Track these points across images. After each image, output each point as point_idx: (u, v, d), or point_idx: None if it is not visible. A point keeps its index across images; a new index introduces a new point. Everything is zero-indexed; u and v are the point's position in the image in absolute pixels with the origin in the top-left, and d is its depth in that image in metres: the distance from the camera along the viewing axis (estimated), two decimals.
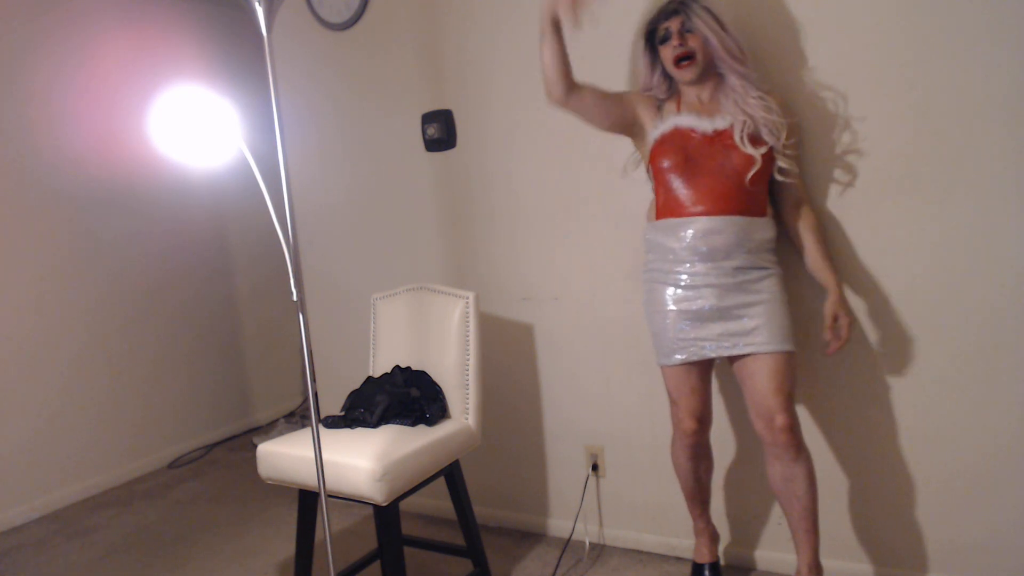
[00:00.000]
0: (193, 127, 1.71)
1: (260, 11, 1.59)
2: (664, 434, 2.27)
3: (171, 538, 2.85)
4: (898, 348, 1.95)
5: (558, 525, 2.56)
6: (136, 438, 3.60)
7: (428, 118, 2.55)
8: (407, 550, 2.30)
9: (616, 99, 1.93)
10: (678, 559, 2.31)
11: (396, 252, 2.76)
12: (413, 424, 2.02)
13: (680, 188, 1.82)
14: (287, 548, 2.62)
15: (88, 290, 3.42)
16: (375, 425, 2.02)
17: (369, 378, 2.22)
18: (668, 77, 1.91)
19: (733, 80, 1.81)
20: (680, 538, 2.32)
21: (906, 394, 1.95)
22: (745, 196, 1.80)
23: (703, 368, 1.93)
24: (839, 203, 1.96)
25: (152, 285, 3.69)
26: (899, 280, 1.92)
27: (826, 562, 1.99)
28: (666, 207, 1.86)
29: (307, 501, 1.98)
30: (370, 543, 2.56)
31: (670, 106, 1.89)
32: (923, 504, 1.97)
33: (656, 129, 1.86)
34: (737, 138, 1.78)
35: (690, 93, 1.88)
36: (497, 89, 2.43)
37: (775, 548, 2.18)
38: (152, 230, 3.68)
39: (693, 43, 1.80)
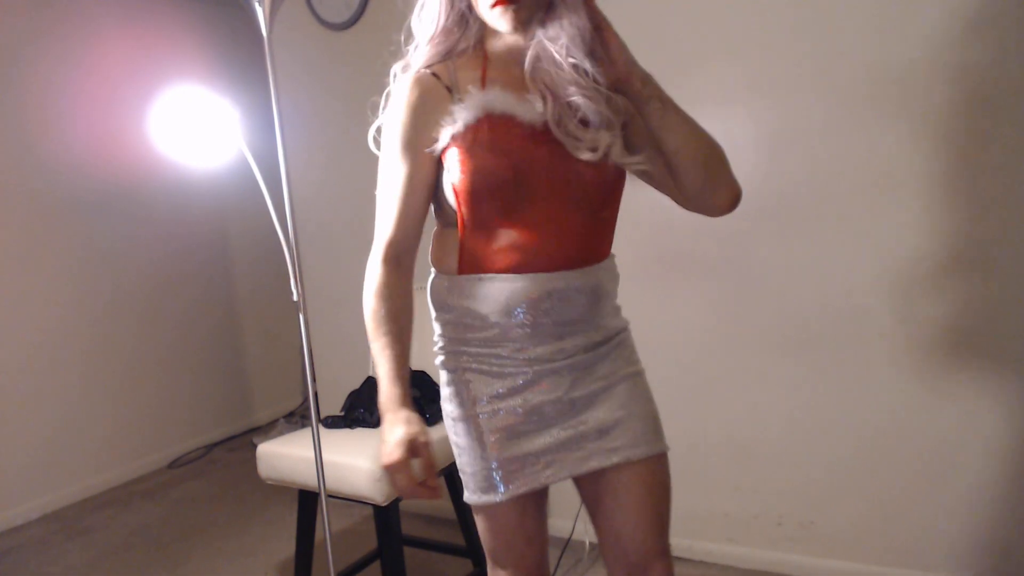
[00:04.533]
0: (193, 127, 1.71)
1: (260, 11, 1.59)
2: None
3: (171, 538, 2.85)
4: (894, 348, 1.95)
5: (558, 525, 2.55)
6: (136, 438, 3.60)
7: None
8: (407, 550, 2.30)
9: (414, 186, 1.14)
10: (678, 559, 2.31)
11: None
12: None
13: (505, 223, 1.11)
14: (287, 548, 2.62)
15: (89, 292, 3.42)
16: (375, 425, 2.02)
17: (369, 378, 2.22)
18: (467, 22, 1.16)
19: (563, 23, 1.08)
20: (680, 538, 2.30)
21: (906, 394, 1.95)
22: (599, 229, 1.18)
23: (539, 501, 1.24)
24: (820, 204, 1.96)
25: (152, 286, 3.69)
26: (892, 279, 1.92)
27: (825, 562, 1.99)
28: (478, 254, 1.13)
29: (307, 501, 1.98)
30: (370, 543, 2.56)
31: (468, 75, 1.14)
32: (923, 503, 1.97)
33: (454, 122, 1.10)
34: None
35: (503, 54, 1.16)
36: None
37: (775, 548, 2.18)
38: (151, 231, 3.68)
39: None
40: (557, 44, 1.09)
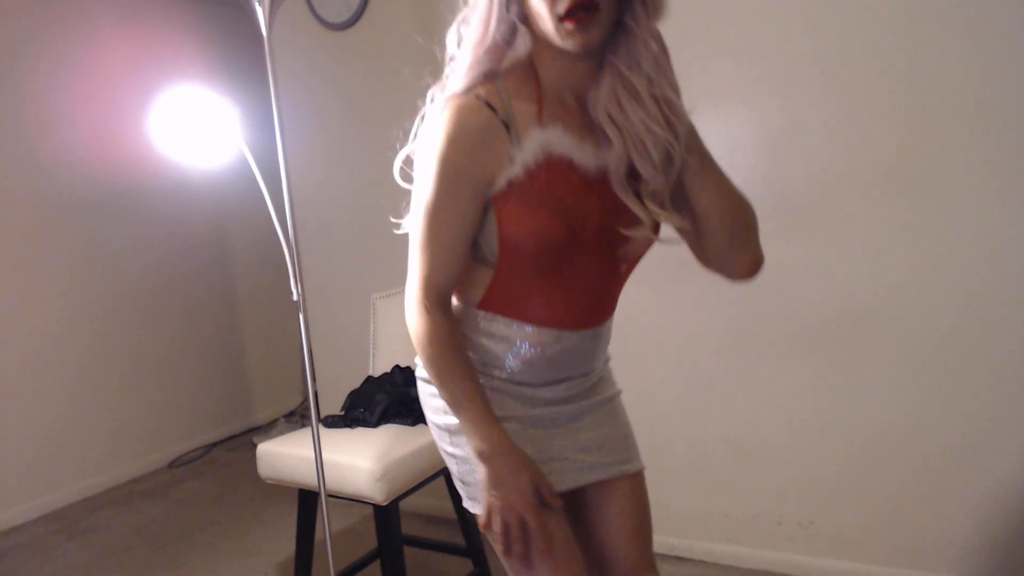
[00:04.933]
0: (193, 127, 1.70)
1: (260, 11, 1.59)
2: (663, 434, 2.27)
3: (171, 538, 2.85)
4: (895, 349, 1.95)
5: None
6: (136, 438, 3.60)
7: None
8: (407, 550, 2.30)
9: (463, 228, 1.04)
10: (678, 559, 2.31)
11: (396, 252, 2.75)
12: (413, 424, 2.02)
13: (542, 278, 1.07)
14: (287, 548, 2.62)
15: (89, 292, 3.42)
16: (375, 425, 2.02)
17: (369, 378, 2.22)
18: (516, 35, 1.01)
19: (639, 50, 0.97)
20: (680, 538, 2.31)
21: (906, 394, 1.95)
22: (618, 287, 1.17)
23: (559, 510, 1.12)
24: (821, 205, 1.96)
25: (152, 286, 3.69)
26: (894, 279, 1.92)
27: (825, 562, 1.99)
28: (505, 300, 1.09)
29: (307, 501, 1.98)
30: (370, 543, 2.56)
31: (523, 107, 1.02)
32: (923, 503, 1.97)
33: (511, 164, 0.99)
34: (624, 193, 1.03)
35: (557, 80, 1.04)
36: None
37: (775, 548, 2.18)
38: (151, 231, 3.68)
39: None
40: (638, 74, 0.97)
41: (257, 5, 1.60)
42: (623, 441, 1.24)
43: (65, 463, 3.31)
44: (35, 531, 3.04)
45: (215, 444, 3.94)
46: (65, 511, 3.22)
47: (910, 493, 1.97)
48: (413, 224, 1.06)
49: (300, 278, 1.68)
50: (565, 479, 1.15)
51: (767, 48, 1.99)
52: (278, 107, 1.69)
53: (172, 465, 3.69)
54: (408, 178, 1.10)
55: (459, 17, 1.06)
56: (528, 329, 1.09)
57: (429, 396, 1.21)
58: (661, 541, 2.35)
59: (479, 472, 1.04)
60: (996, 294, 1.82)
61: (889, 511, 2.00)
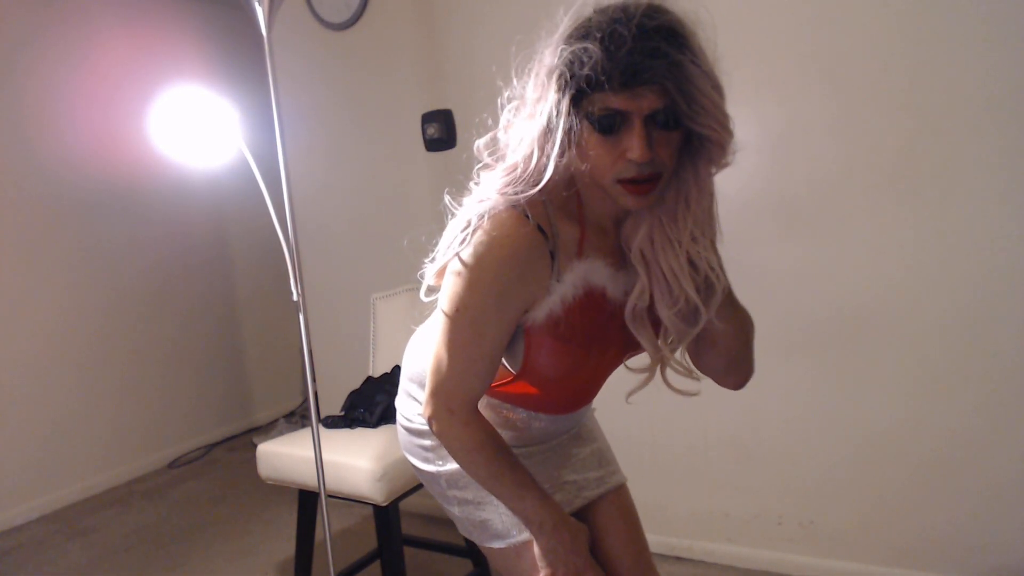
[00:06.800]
0: (193, 127, 1.70)
1: (260, 11, 1.59)
2: (664, 433, 2.27)
3: (171, 538, 2.85)
4: (895, 349, 1.95)
5: None
6: (136, 438, 3.60)
7: (428, 118, 2.55)
8: (407, 550, 2.30)
9: (502, 345, 1.04)
10: (678, 559, 2.31)
11: (396, 252, 2.76)
12: None
13: (547, 387, 1.12)
14: (287, 548, 2.62)
15: (89, 292, 3.42)
16: (375, 425, 2.02)
17: (369, 378, 2.22)
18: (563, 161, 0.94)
19: (689, 204, 0.96)
20: (680, 538, 2.31)
21: (906, 395, 1.95)
22: (614, 369, 1.19)
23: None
24: (822, 205, 1.96)
25: (152, 286, 3.69)
26: (894, 280, 1.92)
27: (825, 562, 1.99)
28: (505, 392, 1.14)
29: (307, 501, 1.98)
30: (370, 543, 2.56)
31: (567, 233, 1.01)
32: (923, 503, 1.97)
33: (552, 294, 1.00)
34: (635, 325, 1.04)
35: (599, 211, 1.03)
36: (497, 89, 2.43)
37: (775, 548, 2.18)
38: (151, 231, 3.68)
39: (665, 147, 0.91)
40: (680, 228, 0.96)
41: (257, 5, 1.60)
42: (606, 454, 1.30)
43: (65, 463, 3.31)
44: (35, 531, 3.04)
45: (215, 444, 3.94)
46: (65, 511, 3.22)
47: (910, 493, 1.97)
48: (448, 330, 1.02)
49: (300, 278, 1.68)
50: (573, 502, 1.21)
51: (768, 48, 1.98)
52: (278, 107, 1.69)
53: (172, 465, 3.69)
54: (433, 290, 1.09)
55: (502, 120, 1.06)
56: (521, 412, 1.16)
57: (416, 447, 1.25)
58: (661, 541, 2.35)
59: (540, 544, 1.08)
60: (996, 294, 1.82)
61: (889, 511, 2.00)
